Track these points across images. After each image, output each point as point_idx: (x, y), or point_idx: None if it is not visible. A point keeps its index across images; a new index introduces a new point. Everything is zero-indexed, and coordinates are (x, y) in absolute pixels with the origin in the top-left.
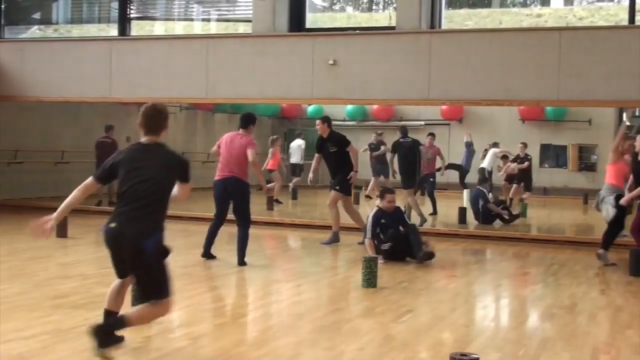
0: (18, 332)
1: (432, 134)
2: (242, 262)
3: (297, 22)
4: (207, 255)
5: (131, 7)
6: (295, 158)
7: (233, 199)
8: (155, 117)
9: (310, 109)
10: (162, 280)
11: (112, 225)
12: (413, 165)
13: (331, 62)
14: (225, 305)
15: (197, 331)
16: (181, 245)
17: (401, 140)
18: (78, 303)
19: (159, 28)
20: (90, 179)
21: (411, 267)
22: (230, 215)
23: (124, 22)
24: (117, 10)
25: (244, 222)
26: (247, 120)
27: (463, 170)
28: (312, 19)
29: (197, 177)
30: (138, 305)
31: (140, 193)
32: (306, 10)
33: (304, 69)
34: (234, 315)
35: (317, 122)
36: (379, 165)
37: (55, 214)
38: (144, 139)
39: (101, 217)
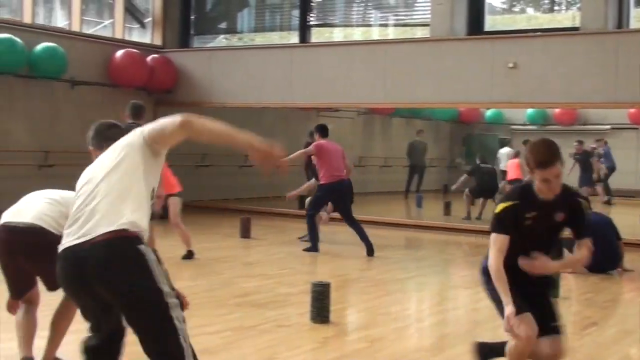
0: (203, 327)
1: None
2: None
3: (475, 25)
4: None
5: (311, 15)
6: (503, 164)
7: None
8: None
9: (489, 113)
10: None
11: None
12: None
13: (511, 65)
14: (402, 310)
15: (375, 334)
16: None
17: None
18: (260, 302)
19: (338, 34)
20: None
21: (596, 278)
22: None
23: (304, 30)
24: (297, 18)
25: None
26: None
27: None
28: (491, 22)
29: (374, 182)
30: None
31: None
32: (485, 13)
33: (482, 72)
34: (411, 319)
35: None
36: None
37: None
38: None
39: (283, 219)
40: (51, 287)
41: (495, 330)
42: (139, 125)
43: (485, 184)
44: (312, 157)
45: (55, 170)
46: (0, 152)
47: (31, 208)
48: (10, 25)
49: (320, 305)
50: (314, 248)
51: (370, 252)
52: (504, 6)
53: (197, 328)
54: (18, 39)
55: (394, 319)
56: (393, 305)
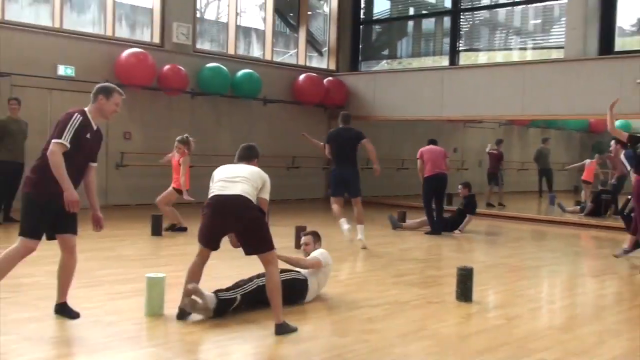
0: (368, 300)
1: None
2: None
3: (606, 46)
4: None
5: (460, 41)
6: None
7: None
8: None
9: (617, 123)
10: None
11: None
12: None
13: (639, 81)
14: (536, 293)
15: (512, 313)
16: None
17: None
18: (413, 282)
19: (482, 57)
20: None
21: None
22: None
23: (454, 54)
24: (447, 45)
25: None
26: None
27: None
28: (620, 43)
29: (512, 183)
30: None
31: None
32: (615, 35)
33: (611, 87)
34: (544, 301)
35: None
36: None
37: None
38: None
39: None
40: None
41: (618, 315)
42: (350, 129)
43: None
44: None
45: None
46: (211, 156)
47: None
48: (218, 56)
49: (464, 287)
50: (435, 231)
51: (432, 231)
52: (634, 28)
53: (363, 301)
54: (224, 67)
55: (528, 300)
56: (528, 289)
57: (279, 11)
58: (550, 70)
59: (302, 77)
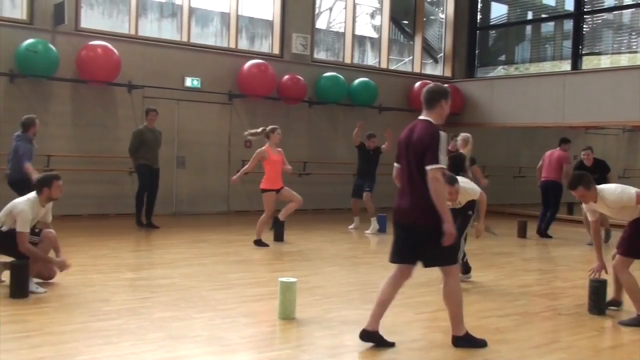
0: (494, 310)
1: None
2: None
3: None
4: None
5: (582, 45)
6: None
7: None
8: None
9: None
10: None
11: None
12: None
13: None
14: None
15: None
16: None
17: None
18: (540, 292)
19: (605, 61)
20: None
21: None
22: None
23: (576, 58)
24: (568, 49)
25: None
26: None
27: None
28: None
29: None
30: None
31: None
32: None
33: None
34: None
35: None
36: None
37: None
38: None
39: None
40: None
41: None
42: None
43: None
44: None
45: None
46: (328, 164)
47: None
48: (334, 65)
49: (597, 299)
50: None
51: (539, 232)
52: None
53: (489, 310)
54: (341, 76)
55: None
56: None
57: (394, 19)
58: None
59: (417, 84)
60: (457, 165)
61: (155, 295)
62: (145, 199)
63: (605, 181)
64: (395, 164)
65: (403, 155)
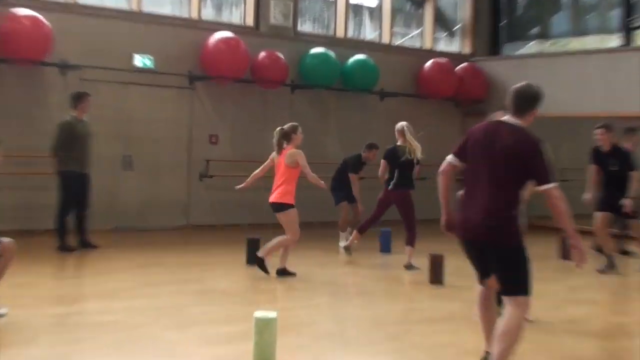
0: (529, 355)
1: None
2: None
3: None
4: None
5: (634, 16)
6: None
7: None
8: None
9: None
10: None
11: None
12: None
13: None
14: None
15: None
16: None
17: None
18: (592, 330)
19: None
20: None
21: None
22: None
23: (627, 32)
24: (618, 20)
25: None
26: None
27: None
28: None
29: None
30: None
31: None
32: None
33: None
34: None
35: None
36: None
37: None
38: None
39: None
40: None
41: None
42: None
43: None
44: None
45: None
46: (316, 164)
47: None
48: (323, 40)
49: None
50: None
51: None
52: None
53: (524, 353)
54: (331, 53)
55: None
56: None
57: None
58: None
59: (428, 64)
60: None
61: (92, 336)
62: (76, 214)
63: (627, 178)
64: (451, 158)
65: (479, 157)
